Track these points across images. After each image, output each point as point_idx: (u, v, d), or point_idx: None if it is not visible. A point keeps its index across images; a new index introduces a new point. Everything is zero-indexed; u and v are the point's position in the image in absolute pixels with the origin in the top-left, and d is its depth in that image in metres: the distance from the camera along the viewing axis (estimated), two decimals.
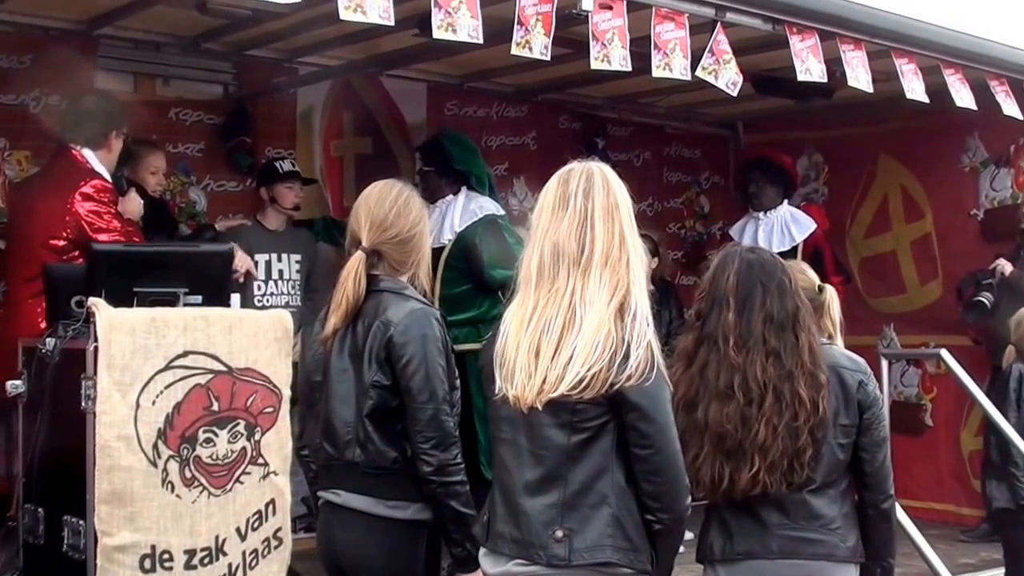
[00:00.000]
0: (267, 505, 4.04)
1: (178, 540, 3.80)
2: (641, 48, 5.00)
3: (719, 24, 5.23)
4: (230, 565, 3.92)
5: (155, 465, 3.76)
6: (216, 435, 3.89)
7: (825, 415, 3.20)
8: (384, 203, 3.42)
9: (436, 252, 4.78)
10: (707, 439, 3.18)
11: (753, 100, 7.15)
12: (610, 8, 4.81)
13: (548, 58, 4.70)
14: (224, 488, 3.92)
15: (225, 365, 3.92)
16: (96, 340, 3.74)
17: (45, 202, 4.85)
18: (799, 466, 3.17)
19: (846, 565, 3.26)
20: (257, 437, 4.00)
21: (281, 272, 6.15)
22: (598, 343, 2.71)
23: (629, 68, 4.91)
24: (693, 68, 5.16)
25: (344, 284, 3.35)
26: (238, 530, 3.95)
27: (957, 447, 7.77)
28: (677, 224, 8.82)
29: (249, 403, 3.98)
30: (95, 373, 3.73)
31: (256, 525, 4.01)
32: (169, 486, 3.79)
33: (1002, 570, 6.14)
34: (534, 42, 4.57)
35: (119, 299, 3.86)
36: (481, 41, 4.43)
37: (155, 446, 3.76)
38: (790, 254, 6.90)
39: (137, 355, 3.75)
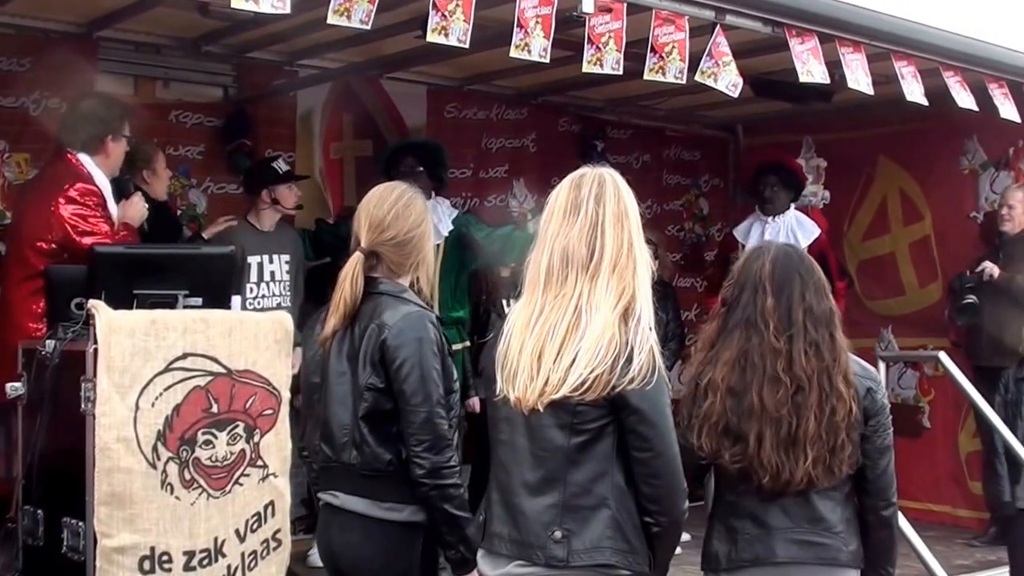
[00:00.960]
0: (266, 507, 4.04)
1: (177, 542, 3.80)
2: (640, 51, 5.01)
3: (718, 27, 5.24)
4: (229, 567, 3.93)
5: (154, 467, 3.76)
6: (215, 437, 3.89)
7: (858, 415, 3.20)
8: (383, 205, 3.43)
9: None
10: (767, 425, 3.12)
11: (753, 103, 7.16)
12: (609, 11, 4.82)
13: (547, 60, 4.71)
14: (223, 490, 3.92)
15: (224, 367, 3.93)
16: (96, 342, 3.74)
17: (34, 205, 4.84)
18: (839, 462, 3.16)
19: (847, 570, 3.25)
20: (256, 439, 4.00)
21: (273, 274, 6.12)
22: (601, 347, 2.74)
23: (621, 71, 4.92)
24: (692, 71, 5.17)
25: (342, 285, 3.36)
26: (237, 532, 3.95)
27: (955, 449, 7.78)
28: (676, 226, 8.83)
29: (248, 405, 3.98)
30: (95, 375, 3.73)
31: (255, 527, 4.01)
32: (168, 488, 3.79)
33: (998, 570, 6.16)
34: (533, 44, 4.59)
35: (119, 301, 3.86)
36: (468, 46, 4.45)
37: (154, 448, 3.76)
38: None
39: (137, 357, 3.76)
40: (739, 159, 9.01)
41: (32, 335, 4.43)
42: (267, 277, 6.09)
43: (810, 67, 5.46)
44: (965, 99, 6.11)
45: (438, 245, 6.03)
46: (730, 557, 3.21)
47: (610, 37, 4.81)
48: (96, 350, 3.74)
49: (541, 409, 2.78)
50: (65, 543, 3.88)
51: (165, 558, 3.78)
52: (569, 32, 4.90)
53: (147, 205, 5.12)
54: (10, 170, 5.78)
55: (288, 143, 6.90)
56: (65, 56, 5.82)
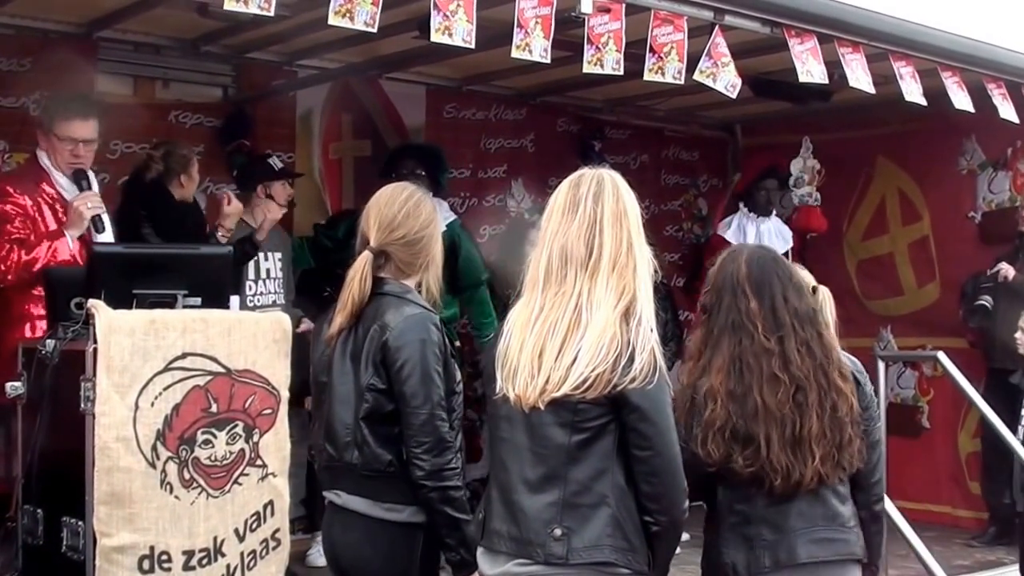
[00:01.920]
0: (265, 506, 4.04)
1: (176, 541, 3.80)
2: (639, 51, 5.02)
3: (717, 27, 5.25)
4: (228, 566, 3.93)
5: (154, 466, 3.76)
6: (215, 436, 3.89)
7: (858, 408, 3.20)
8: (393, 204, 3.43)
9: None
10: (772, 425, 3.10)
11: (752, 103, 7.17)
12: (608, 11, 4.83)
13: (548, 60, 4.72)
14: (222, 489, 3.92)
15: (224, 367, 3.93)
16: (95, 342, 3.74)
17: None
18: (848, 457, 3.16)
19: (858, 565, 3.25)
20: (255, 439, 4.00)
21: (268, 271, 6.13)
22: (603, 345, 2.75)
23: (621, 72, 4.93)
24: (691, 71, 5.18)
25: (350, 284, 3.36)
26: (236, 531, 3.95)
27: (954, 449, 7.78)
28: (675, 227, 8.83)
29: (248, 405, 3.98)
30: (94, 375, 3.73)
31: (254, 526, 4.01)
32: (168, 487, 3.79)
33: (998, 571, 6.17)
34: (533, 45, 4.59)
35: (118, 301, 3.86)
36: (473, 46, 4.46)
37: (154, 447, 3.76)
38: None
39: (136, 357, 3.76)
40: (738, 159, 9.02)
41: (23, 337, 4.44)
42: (263, 275, 6.09)
43: (809, 67, 5.46)
44: (962, 100, 6.12)
45: None
46: (749, 566, 3.15)
47: (609, 37, 4.82)
48: (96, 350, 3.74)
49: (542, 407, 2.79)
50: (64, 542, 3.88)
51: (164, 557, 3.78)
52: (568, 32, 4.90)
53: (99, 209, 4.82)
54: (10, 169, 5.78)
55: (287, 143, 6.91)
56: (65, 56, 5.82)
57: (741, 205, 7.65)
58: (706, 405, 3.14)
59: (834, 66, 5.63)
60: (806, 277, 3.58)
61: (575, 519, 2.79)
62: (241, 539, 3.97)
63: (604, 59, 4.84)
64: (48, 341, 4.00)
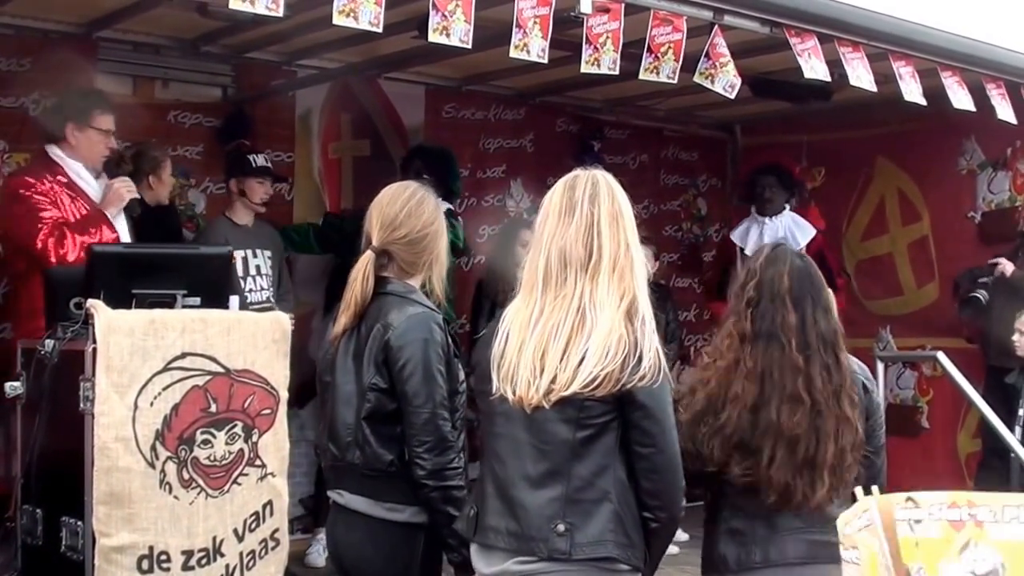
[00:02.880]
0: (265, 506, 4.04)
1: (176, 541, 3.80)
2: (638, 51, 5.02)
3: (716, 27, 5.25)
4: (227, 566, 3.93)
5: (153, 466, 3.76)
6: (214, 436, 3.89)
7: (862, 436, 3.19)
8: (395, 203, 3.43)
9: None
10: (780, 443, 3.09)
11: (751, 103, 7.16)
12: (607, 11, 4.83)
13: (545, 60, 4.72)
14: (222, 489, 3.92)
15: (223, 367, 3.92)
16: (95, 342, 3.74)
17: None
18: (845, 484, 3.13)
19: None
20: (255, 439, 4.00)
21: (258, 268, 6.10)
22: (611, 345, 2.77)
23: (617, 72, 4.93)
24: (690, 72, 5.18)
25: (353, 284, 3.37)
26: (235, 531, 3.95)
27: (954, 449, 7.77)
28: (674, 227, 8.83)
29: (247, 405, 3.98)
30: (94, 374, 3.73)
31: (253, 526, 4.01)
32: (167, 487, 3.79)
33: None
34: (532, 44, 4.60)
35: (118, 301, 3.86)
36: (471, 46, 4.46)
37: (153, 447, 3.76)
38: None
39: (135, 357, 3.76)
40: (737, 159, 9.02)
41: (30, 333, 4.43)
42: (252, 271, 6.06)
43: (812, 64, 5.46)
44: (962, 99, 6.12)
45: None
46: (739, 560, 3.17)
47: (607, 37, 4.82)
48: (95, 349, 3.73)
49: (547, 406, 2.80)
50: (64, 542, 3.88)
51: (164, 557, 3.78)
52: (568, 32, 4.91)
53: (134, 193, 4.98)
54: (9, 169, 5.77)
55: (287, 143, 6.91)
56: (64, 56, 5.82)
57: (753, 210, 7.62)
58: (724, 408, 3.13)
59: (835, 66, 5.63)
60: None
61: (577, 515, 2.80)
62: (240, 539, 3.97)
63: (601, 59, 4.84)
64: (47, 341, 3.99)
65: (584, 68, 4.86)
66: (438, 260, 3.46)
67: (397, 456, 3.29)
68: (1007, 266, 7.08)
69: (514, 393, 2.85)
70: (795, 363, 3.13)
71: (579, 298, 2.83)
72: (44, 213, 4.70)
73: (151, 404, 3.77)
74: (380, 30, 4.24)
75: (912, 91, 5.88)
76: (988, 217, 7.70)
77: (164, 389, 3.80)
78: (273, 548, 4.08)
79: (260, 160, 6.21)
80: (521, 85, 7.51)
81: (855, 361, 3.35)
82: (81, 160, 4.92)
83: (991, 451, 6.54)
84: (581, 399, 2.78)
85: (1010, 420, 5.78)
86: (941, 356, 6.52)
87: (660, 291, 7.16)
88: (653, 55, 4.99)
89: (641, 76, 5.02)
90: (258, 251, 6.12)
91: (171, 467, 3.80)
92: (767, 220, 7.44)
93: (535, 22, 4.59)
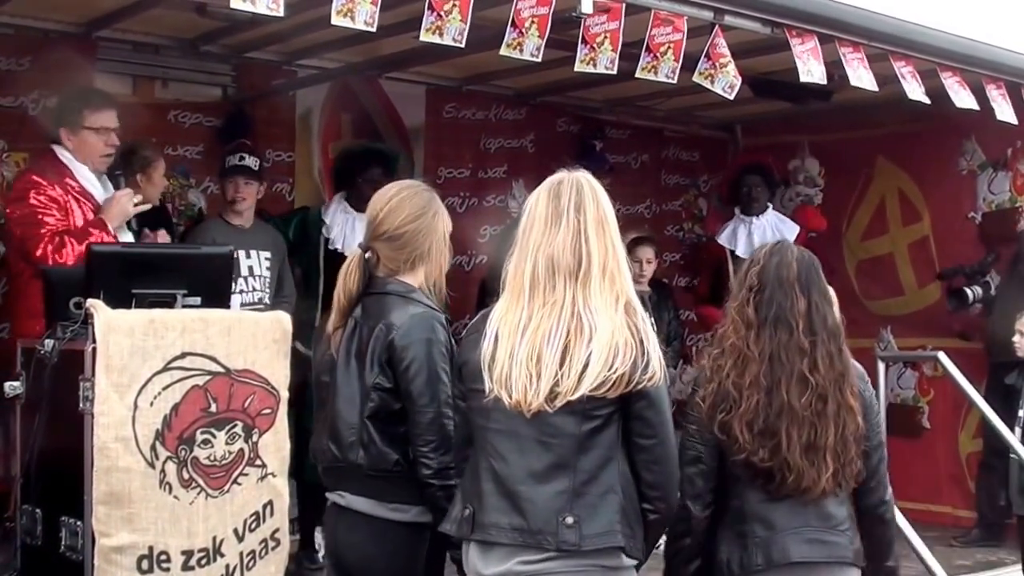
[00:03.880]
0: (265, 506, 4.04)
1: (176, 541, 3.80)
2: (638, 51, 5.01)
3: (716, 27, 5.24)
4: (227, 566, 3.92)
5: (153, 466, 3.76)
6: (214, 436, 3.89)
7: (864, 430, 3.22)
8: (378, 202, 3.47)
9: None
10: (794, 425, 3.14)
11: (752, 103, 7.16)
12: (607, 11, 4.83)
13: (539, 59, 4.73)
14: (222, 489, 3.92)
15: (223, 367, 3.92)
16: (94, 341, 3.73)
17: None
18: (848, 476, 3.19)
19: (853, 569, 3.25)
20: (255, 438, 4.00)
21: (251, 268, 6.00)
22: (618, 348, 2.81)
23: (615, 71, 4.93)
24: (690, 72, 5.18)
25: (339, 281, 3.40)
26: (235, 531, 3.95)
27: (955, 449, 7.77)
28: (675, 226, 8.82)
29: (247, 404, 3.98)
30: (93, 374, 3.72)
31: (254, 526, 4.01)
32: (167, 487, 3.79)
33: (998, 571, 6.16)
34: (526, 43, 4.60)
35: (118, 301, 3.86)
36: (463, 45, 4.45)
37: (153, 447, 3.76)
38: None
39: (135, 356, 3.75)
40: (737, 160, 9.02)
41: (29, 334, 4.43)
42: (244, 272, 5.96)
43: (810, 67, 5.47)
44: (965, 99, 6.12)
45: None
46: (742, 563, 3.18)
47: (606, 37, 4.82)
48: (95, 349, 3.73)
49: (551, 410, 2.82)
50: (63, 542, 3.87)
51: (163, 557, 3.78)
52: (568, 32, 4.91)
53: (137, 206, 4.93)
54: (9, 169, 5.78)
55: (287, 143, 6.91)
56: (64, 56, 5.82)
57: (737, 211, 7.64)
58: (742, 397, 3.16)
59: (835, 66, 5.63)
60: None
61: (584, 507, 2.83)
62: (240, 539, 3.97)
63: (598, 58, 4.84)
64: (47, 341, 3.99)
65: (578, 67, 4.87)
66: (424, 258, 3.43)
67: (402, 456, 3.29)
68: None
69: (511, 397, 2.86)
70: (801, 346, 3.18)
71: (572, 304, 2.86)
72: (47, 218, 4.68)
73: (151, 404, 3.77)
74: (374, 29, 4.25)
75: (915, 90, 5.88)
76: (988, 218, 7.70)
77: (164, 389, 3.80)
78: (273, 548, 4.07)
79: (235, 160, 6.05)
80: (522, 85, 7.51)
81: (853, 363, 3.36)
82: (83, 162, 4.90)
83: (992, 451, 6.54)
84: (587, 395, 2.81)
85: (1010, 421, 5.77)
86: (942, 356, 6.52)
87: (662, 290, 7.16)
88: (652, 55, 4.99)
89: (638, 75, 5.03)
90: (252, 252, 6.02)
91: (171, 467, 3.80)
92: (753, 219, 7.46)
93: (533, 21, 4.59)
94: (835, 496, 3.22)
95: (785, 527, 3.17)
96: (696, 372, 3.50)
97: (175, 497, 3.81)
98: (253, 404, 3.99)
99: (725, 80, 5.25)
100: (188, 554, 3.83)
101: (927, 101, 5.92)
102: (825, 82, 5.56)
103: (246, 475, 3.99)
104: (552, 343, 2.84)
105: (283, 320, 4.17)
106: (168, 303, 4.00)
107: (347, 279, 3.38)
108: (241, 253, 5.96)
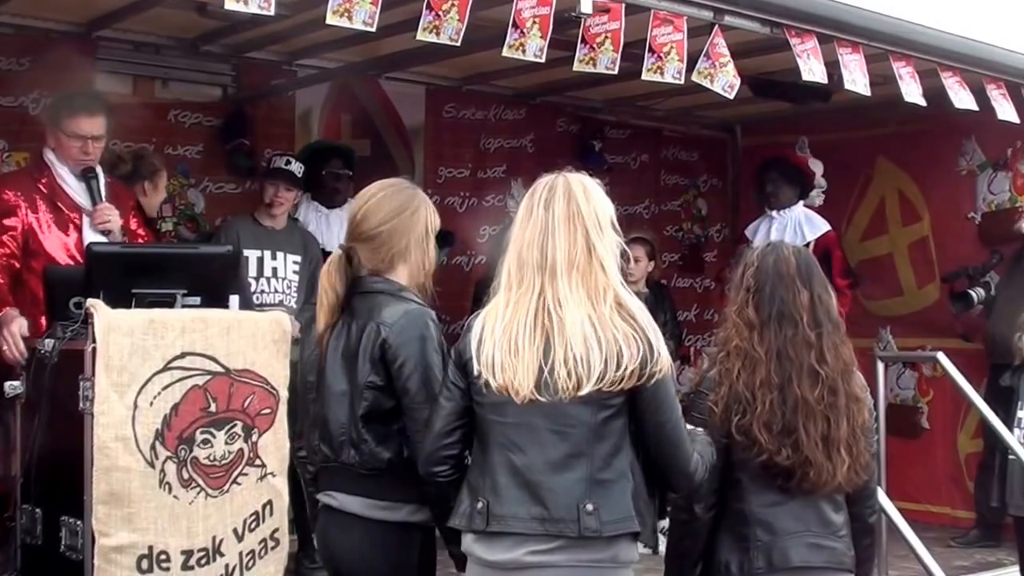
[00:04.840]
0: (264, 506, 4.04)
1: (175, 541, 3.80)
2: (639, 51, 5.01)
3: (716, 27, 5.25)
4: (227, 566, 3.92)
5: (152, 466, 3.76)
6: (214, 436, 3.89)
7: (871, 422, 3.24)
8: (358, 202, 3.49)
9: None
10: (810, 420, 3.15)
11: (751, 103, 7.16)
12: (607, 11, 4.83)
13: (542, 60, 4.72)
14: (221, 489, 3.92)
15: (223, 366, 3.92)
16: (94, 341, 3.73)
17: None
18: (860, 468, 3.20)
19: (848, 574, 3.26)
20: (255, 438, 4.00)
21: (275, 270, 6.00)
22: (623, 344, 2.86)
23: (615, 71, 4.93)
24: (691, 71, 5.18)
25: (321, 281, 3.42)
26: (235, 531, 3.95)
27: (954, 449, 7.77)
28: (674, 227, 8.82)
29: (247, 404, 3.98)
30: (93, 374, 3.72)
31: (253, 526, 4.01)
32: (166, 487, 3.79)
33: (998, 571, 6.15)
34: (528, 44, 4.60)
35: (117, 300, 3.86)
36: (459, 45, 4.45)
37: (153, 447, 3.76)
38: None
39: (135, 356, 3.75)
40: (738, 159, 9.02)
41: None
42: (267, 273, 5.97)
43: (811, 65, 5.47)
44: (964, 99, 6.12)
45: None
46: (742, 566, 3.19)
47: (607, 37, 4.82)
48: (94, 349, 3.73)
49: (545, 400, 2.86)
50: (63, 542, 3.87)
51: (163, 557, 3.78)
52: (569, 33, 4.91)
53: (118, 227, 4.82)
54: (9, 169, 5.78)
55: (287, 142, 6.90)
56: (64, 56, 5.82)
57: (765, 206, 7.59)
58: (756, 398, 3.17)
59: (834, 66, 5.63)
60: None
61: (601, 494, 2.87)
62: (240, 539, 3.96)
63: (598, 58, 4.85)
64: (47, 340, 3.99)
65: (577, 67, 4.87)
66: (404, 256, 3.41)
67: (395, 454, 3.28)
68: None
69: (518, 394, 2.88)
70: (808, 339, 3.20)
71: (539, 297, 2.92)
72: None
73: (151, 404, 3.77)
74: (373, 29, 4.25)
75: (912, 92, 5.88)
76: (988, 218, 7.70)
77: (164, 389, 3.79)
78: (273, 548, 4.07)
79: (280, 163, 6.12)
80: (521, 85, 7.51)
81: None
82: (63, 163, 4.83)
83: (992, 451, 6.54)
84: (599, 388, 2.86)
85: (1008, 422, 5.78)
86: (941, 357, 6.52)
87: (658, 291, 7.15)
88: (656, 55, 4.99)
89: (644, 76, 5.03)
90: (279, 254, 6.00)
91: (171, 467, 3.80)
92: (775, 215, 7.39)
93: (534, 22, 4.59)
94: (833, 499, 3.22)
95: (786, 531, 3.17)
96: (696, 373, 3.51)
97: (175, 497, 3.80)
98: (253, 404, 3.99)
99: (725, 79, 5.26)
100: (188, 554, 3.83)
101: (923, 103, 5.93)
102: (826, 80, 5.57)
103: (246, 475, 3.99)
104: (525, 333, 2.89)
105: (282, 320, 4.17)
106: (168, 303, 4.00)
107: (327, 277, 3.39)
108: (267, 254, 5.96)
